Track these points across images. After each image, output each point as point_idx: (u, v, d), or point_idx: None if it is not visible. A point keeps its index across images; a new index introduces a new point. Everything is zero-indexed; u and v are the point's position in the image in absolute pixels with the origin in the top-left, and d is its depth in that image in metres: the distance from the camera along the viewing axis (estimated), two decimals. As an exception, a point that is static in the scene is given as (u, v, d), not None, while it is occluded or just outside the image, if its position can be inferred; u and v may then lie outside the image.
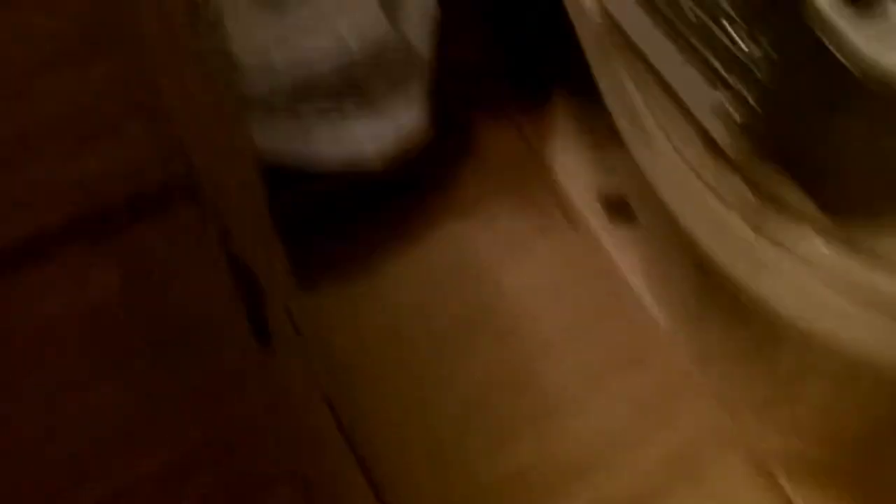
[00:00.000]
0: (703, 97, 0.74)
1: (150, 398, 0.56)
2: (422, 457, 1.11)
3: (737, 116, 0.72)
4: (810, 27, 0.58)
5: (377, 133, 1.15)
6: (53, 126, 0.46)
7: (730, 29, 0.68)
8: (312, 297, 1.19)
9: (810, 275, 0.82)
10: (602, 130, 1.30)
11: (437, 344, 1.21)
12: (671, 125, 0.88)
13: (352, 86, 1.14)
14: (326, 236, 1.27)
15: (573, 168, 1.31)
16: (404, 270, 1.27)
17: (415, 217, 1.31)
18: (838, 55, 0.55)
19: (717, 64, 0.72)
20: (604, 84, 0.97)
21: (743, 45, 0.68)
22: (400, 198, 1.31)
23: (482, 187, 1.36)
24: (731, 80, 0.71)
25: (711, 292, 1.08)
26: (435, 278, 1.27)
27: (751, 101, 0.70)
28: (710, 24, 0.72)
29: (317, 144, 1.12)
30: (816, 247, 0.81)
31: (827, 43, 0.56)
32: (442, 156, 1.33)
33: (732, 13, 0.69)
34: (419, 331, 1.22)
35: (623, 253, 1.24)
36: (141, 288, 0.51)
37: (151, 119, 0.47)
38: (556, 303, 1.25)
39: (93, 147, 0.47)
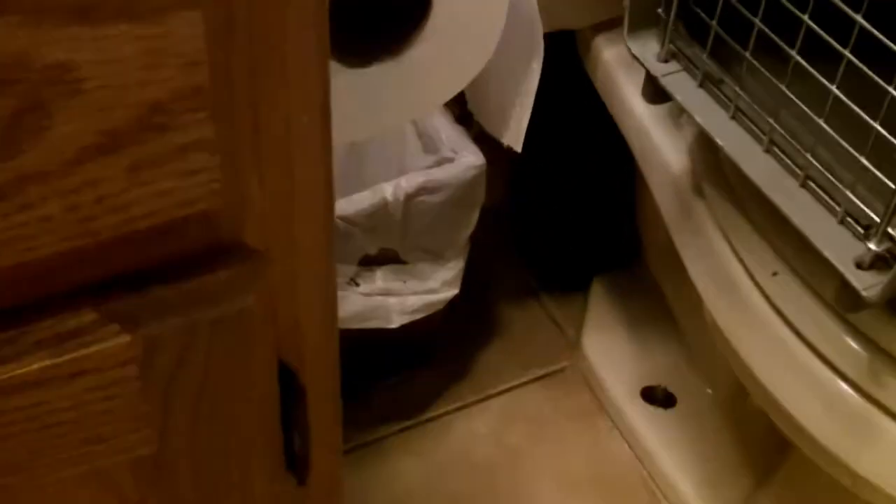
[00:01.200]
0: (845, 248, 0.67)
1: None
2: None
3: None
4: None
5: (406, 288, 1.09)
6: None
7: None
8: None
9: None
10: (641, 318, 1.26)
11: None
12: (774, 283, 0.81)
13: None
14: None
15: (608, 355, 1.24)
16: (414, 447, 1.19)
17: (427, 393, 1.24)
18: None
19: (864, 207, 0.66)
20: (685, 246, 0.91)
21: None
22: (417, 370, 1.24)
23: (505, 369, 1.31)
24: (887, 227, 0.64)
25: (782, 475, 0.99)
26: (445, 462, 1.18)
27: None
28: (860, 160, 0.66)
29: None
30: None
31: None
32: (462, 332, 1.27)
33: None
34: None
35: (661, 441, 1.16)
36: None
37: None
38: (580, 499, 1.17)
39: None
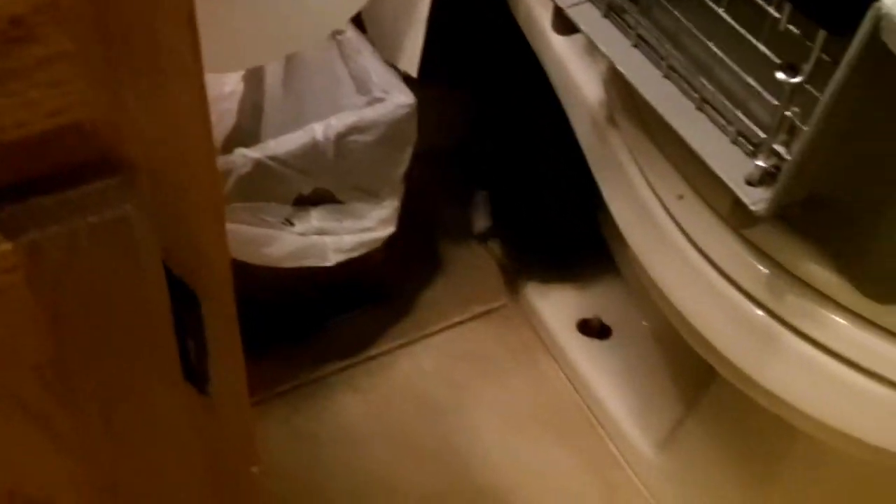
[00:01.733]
0: (736, 166, 0.71)
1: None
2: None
3: (776, 182, 0.68)
4: (884, 45, 0.55)
5: (342, 227, 1.12)
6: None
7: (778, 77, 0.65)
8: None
9: (827, 357, 0.77)
10: (580, 253, 1.29)
11: (386, 463, 1.15)
12: (681, 206, 0.84)
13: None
14: (278, 343, 1.23)
15: (547, 290, 1.27)
16: (358, 383, 1.22)
17: (370, 332, 1.27)
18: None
19: (753, 126, 0.69)
20: (603, 176, 0.94)
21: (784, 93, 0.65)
22: (355, 311, 1.28)
23: (448, 306, 1.33)
24: (773, 143, 0.67)
25: (708, 400, 1.03)
26: (391, 397, 1.21)
27: (793, 161, 0.67)
28: (749, 82, 0.69)
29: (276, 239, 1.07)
30: (836, 326, 0.76)
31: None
32: (405, 270, 1.30)
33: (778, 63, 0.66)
34: (369, 446, 1.17)
35: (597, 371, 1.19)
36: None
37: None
38: (521, 429, 1.20)
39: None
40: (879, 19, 0.56)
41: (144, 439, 0.55)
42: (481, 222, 1.36)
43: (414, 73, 0.82)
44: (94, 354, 0.49)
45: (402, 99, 1.10)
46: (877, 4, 0.56)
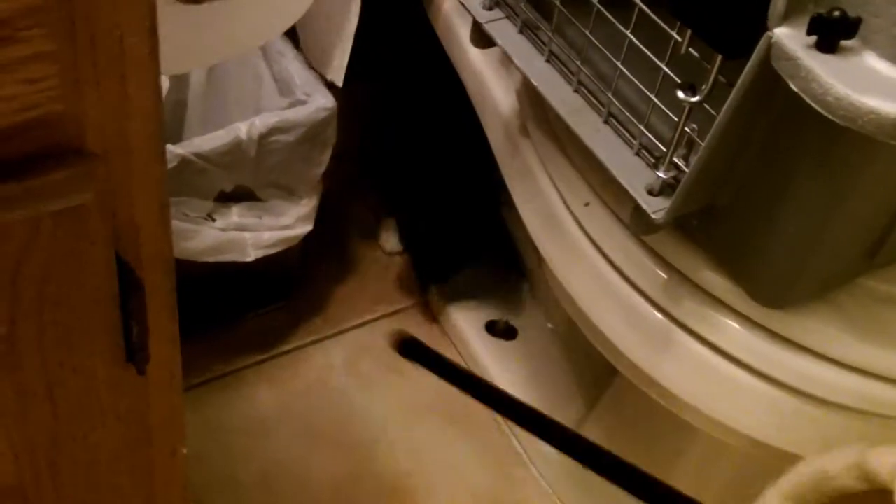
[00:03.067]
0: (638, 176, 0.76)
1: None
2: None
3: (674, 194, 0.74)
4: (774, 70, 0.61)
5: (261, 223, 1.15)
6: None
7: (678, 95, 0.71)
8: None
9: (718, 357, 0.84)
10: (489, 255, 1.34)
11: (295, 454, 1.19)
12: (587, 213, 0.90)
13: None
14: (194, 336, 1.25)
15: (456, 291, 1.32)
16: (271, 376, 1.25)
17: (284, 327, 1.30)
18: (807, 95, 0.58)
19: (654, 140, 0.75)
20: (514, 183, 0.99)
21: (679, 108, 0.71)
22: (271, 306, 1.31)
23: (359, 304, 1.37)
24: (672, 157, 0.73)
25: (608, 399, 1.09)
26: (301, 391, 1.25)
27: (690, 174, 0.72)
28: (651, 97, 0.74)
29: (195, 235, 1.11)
30: (728, 328, 0.83)
31: (794, 85, 0.59)
32: (319, 269, 1.34)
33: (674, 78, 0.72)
34: (279, 437, 1.20)
35: (503, 371, 1.24)
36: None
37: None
38: (427, 424, 1.24)
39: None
40: (770, 47, 0.62)
41: (84, 415, 0.59)
42: (387, 233, 1.40)
43: (339, 82, 0.87)
44: (44, 332, 0.52)
45: (322, 102, 1.14)
46: (768, 33, 0.62)
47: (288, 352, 1.29)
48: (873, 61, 0.59)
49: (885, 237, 0.75)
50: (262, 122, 1.11)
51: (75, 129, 0.47)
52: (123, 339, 0.56)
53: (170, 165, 1.06)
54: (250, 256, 1.15)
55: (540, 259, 0.98)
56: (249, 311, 1.29)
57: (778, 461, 0.85)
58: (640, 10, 0.72)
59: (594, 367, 1.17)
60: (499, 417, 1.24)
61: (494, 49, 0.89)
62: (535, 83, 0.82)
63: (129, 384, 0.58)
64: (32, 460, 0.59)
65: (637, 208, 0.75)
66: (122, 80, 0.47)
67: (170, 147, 1.06)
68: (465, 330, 1.30)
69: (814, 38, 0.60)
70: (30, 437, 0.58)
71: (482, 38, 0.86)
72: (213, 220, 1.14)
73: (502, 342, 1.30)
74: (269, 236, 1.17)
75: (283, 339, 1.29)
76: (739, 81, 0.64)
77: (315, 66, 0.94)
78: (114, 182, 0.49)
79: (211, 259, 1.12)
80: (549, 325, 1.29)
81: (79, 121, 0.47)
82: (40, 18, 0.41)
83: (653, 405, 0.93)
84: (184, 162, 1.07)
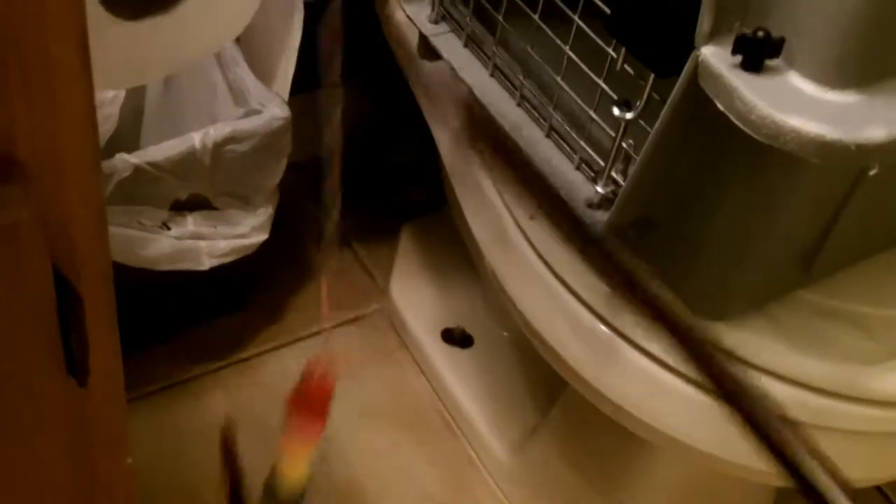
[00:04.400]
0: (579, 190, 0.78)
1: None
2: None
3: (611, 206, 0.76)
4: (702, 88, 0.62)
5: (217, 232, 1.16)
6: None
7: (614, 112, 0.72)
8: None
9: (661, 369, 0.85)
10: (445, 264, 1.36)
11: (249, 459, 1.19)
12: (532, 225, 0.91)
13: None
14: (150, 344, 1.26)
15: (413, 299, 1.33)
16: (226, 383, 1.27)
17: (240, 335, 1.31)
18: (732, 114, 0.60)
19: (594, 155, 0.76)
20: (464, 195, 1.01)
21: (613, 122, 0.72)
22: (228, 314, 1.32)
23: (316, 312, 1.37)
24: (609, 172, 0.75)
25: (559, 408, 1.10)
26: (256, 399, 1.26)
27: (625, 187, 0.74)
28: (589, 113, 0.76)
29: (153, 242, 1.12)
30: (667, 339, 0.84)
31: (720, 104, 0.61)
32: (276, 277, 1.35)
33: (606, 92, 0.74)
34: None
35: (458, 378, 1.26)
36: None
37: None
38: (381, 429, 1.25)
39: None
40: (697, 66, 0.64)
41: (23, 429, 0.59)
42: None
43: (285, 96, 0.88)
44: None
45: (277, 112, 1.15)
46: (696, 52, 0.63)
47: (245, 359, 1.30)
48: (797, 81, 0.61)
49: (818, 249, 0.77)
50: (216, 132, 1.12)
51: (5, 141, 0.48)
52: (64, 351, 0.56)
53: (124, 174, 1.07)
54: (205, 265, 1.16)
55: (489, 269, 0.99)
56: (206, 319, 1.30)
57: (725, 469, 0.87)
58: (579, 25, 0.74)
59: (547, 376, 1.18)
60: (451, 422, 1.25)
61: (443, 62, 0.91)
62: (479, 96, 0.84)
63: (71, 396, 0.59)
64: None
65: (577, 221, 0.77)
66: (51, 91, 0.48)
67: (124, 156, 1.07)
68: (422, 338, 1.31)
69: (739, 58, 0.61)
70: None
71: (429, 51, 0.88)
72: (169, 228, 1.15)
73: (458, 350, 1.31)
74: (224, 245, 1.18)
75: (239, 346, 1.30)
76: (670, 99, 0.65)
77: (261, 80, 0.95)
78: (46, 196, 0.50)
79: (166, 268, 1.13)
80: (504, 334, 1.30)
81: (8, 133, 0.48)
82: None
83: (601, 415, 0.95)
84: (138, 171, 1.07)
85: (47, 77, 0.46)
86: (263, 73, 0.91)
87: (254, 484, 1.20)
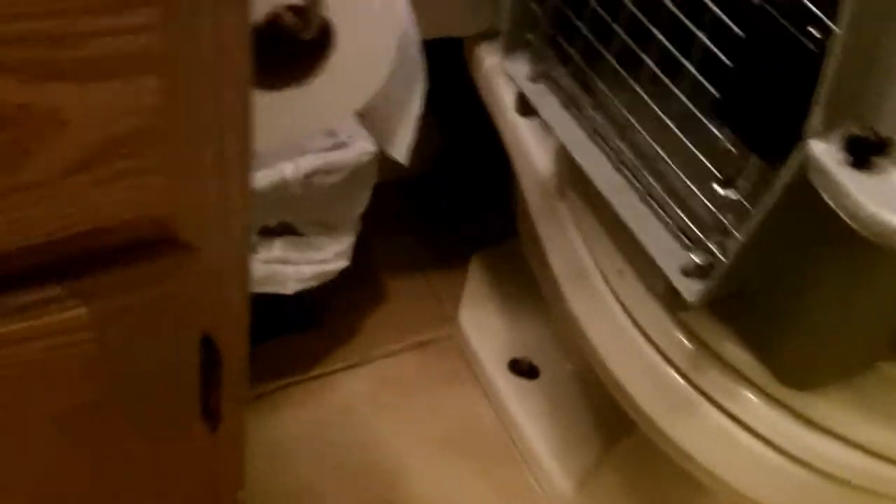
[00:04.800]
0: (674, 257, 0.80)
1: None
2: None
3: (708, 277, 0.78)
4: (811, 182, 0.65)
5: (302, 258, 1.19)
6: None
7: (716, 189, 0.75)
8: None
9: (738, 429, 0.88)
10: (514, 294, 1.38)
11: (315, 479, 1.22)
12: (618, 279, 0.94)
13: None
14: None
15: (481, 327, 1.36)
16: (297, 401, 1.29)
17: (312, 354, 1.34)
18: (839, 210, 0.62)
19: (691, 224, 0.79)
20: (548, 241, 1.03)
21: (718, 203, 0.75)
22: (300, 333, 1.35)
23: (386, 335, 1.40)
24: (706, 240, 0.77)
25: (626, 447, 1.13)
26: (323, 417, 1.28)
27: (724, 261, 0.77)
28: (690, 186, 0.79)
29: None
30: (750, 403, 0.87)
31: (827, 198, 0.63)
32: (349, 299, 1.38)
33: (713, 170, 0.76)
34: (300, 461, 1.24)
35: (523, 409, 1.28)
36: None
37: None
38: (446, 457, 1.28)
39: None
40: (805, 158, 0.66)
41: (157, 465, 0.63)
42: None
43: (404, 161, 0.91)
44: (129, 396, 0.57)
45: (365, 146, 1.18)
46: (802, 143, 0.66)
47: (314, 377, 1.33)
48: (903, 181, 0.63)
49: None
50: (306, 163, 1.15)
51: (171, 223, 0.52)
52: (200, 402, 0.60)
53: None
54: (290, 289, 1.19)
55: (567, 314, 1.02)
56: (281, 336, 1.33)
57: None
58: (685, 99, 0.77)
59: (613, 412, 1.21)
60: (515, 451, 1.28)
61: (538, 119, 0.93)
62: (576, 158, 0.86)
63: (202, 441, 0.63)
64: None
65: (670, 287, 0.80)
66: (218, 180, 0.51)
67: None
68: (489, 367, 1.33)
69: (846, 154, 0.64)
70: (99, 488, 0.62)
71: (526, 109, 0.91)
72: (257, 252, 1.19)
73: (524, 381, 1.34)
74: (308, 270, 1.21)
75: (309, 365, 1.33)
76: (774, 186, 0.68)
77: (379, 143, 0.98)
78: (205, 270, 0.54)
79: (254, 290, 1.16)
80: (570, 366, 1.32)
81: (178, 216, 0.52)
82: (154, 138, 0.46)
83: (669, 460, 0.97)
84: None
85: (215, 171, 0.50)
86: (381, 137, 0.94)
87: (310, 498, 1.23)
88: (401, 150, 0.87)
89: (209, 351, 0.58)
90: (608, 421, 1.22)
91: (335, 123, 0.92)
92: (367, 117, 0.96)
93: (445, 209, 1.48)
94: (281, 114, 0.68)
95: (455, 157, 1.42)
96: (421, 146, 1.39)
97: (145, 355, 0.54)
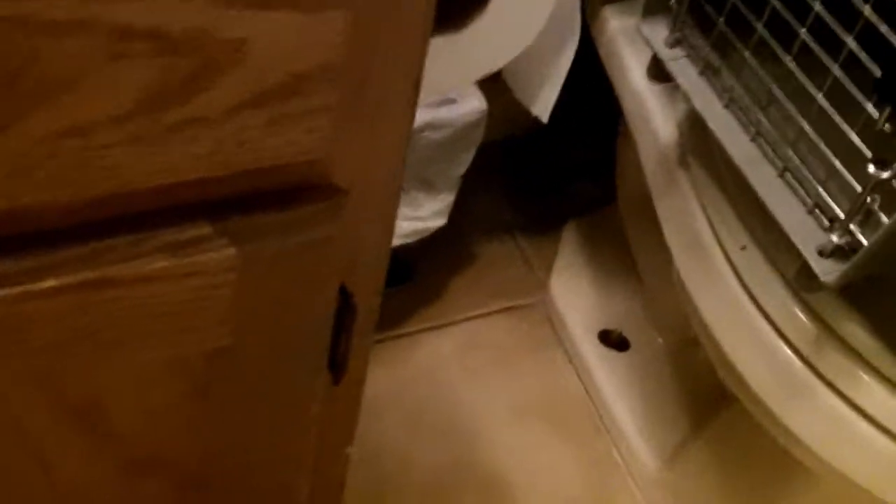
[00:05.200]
0: (810, 236, 0.77)
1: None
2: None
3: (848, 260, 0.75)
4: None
5: (400, 213, 1.17)
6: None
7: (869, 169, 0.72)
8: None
9: (856, 415, 0.85)
10: (607, 264, 1.36)
11: (400, 437, 1.21)
12: (741, 255, 0.91)
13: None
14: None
15: (572, 296, 1.34)
16: (385, 358, 1.28)
17: (401, 311, 1.32)
18: None
19: (833, 204, 0.76)
20: (665, 211, 1.01)
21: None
22: (396, 288, 1.33)
23: (474, 297, 1.39)
24: (849, 224, 0.74)
25: (717, 426, 1.10)
26: (409, 376, 1.27)
27: (865, 243, 0.74)
28: (836, 164, 0.76)
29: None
30: (871, 390, 0.84)
31: None
32: (442, 259, 1.36)
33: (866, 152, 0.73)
34: (386, 419, 1.23)
35: (611, 381, 1.26)
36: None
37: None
38: (530, 423, 1.26)
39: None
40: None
41: (276, 415, 0.62)
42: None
43: (545, 119, 0.88)
44: (262, 345, 0.55)
45: (475, 104, 1.16)
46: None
47: (402, 335, 1.32)
48: None
49: None
50: (416, 118, 1.13)
51: (328, 168, 0.50)
52: (329, 353, 0.59)
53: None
54: (388, 245, 1.17)
55: (666, 280, 0.99)
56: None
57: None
58: (837, 71, 0.73)
59: (704, 389, 1.18)
60: (601, 424, 1.26)
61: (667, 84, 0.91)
62: (712, 127, 0.83)
63: (323, 392, 0.61)
64: (215, 450, 0.62)
65: (804, 267, 0.77)
66: (380, 127, 0.49)
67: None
68: (578, 336, 1.31)
69: None
70: (219, 433, 0.61)
71: (660, 74, 0.88)
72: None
73: (614, 353, 1.32)
74: (405, 226, 1.20)
75: (398, 322, 1.32)
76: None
77: (520, 99, 0.95)
78: (355, 216, 0.52)
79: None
80: (660, 340, 1.30)
81: (332, 161, 0.49)
82: (332, 75, 0.44)
83: (762, 440, 0.94)
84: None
85: (383, 114, 0.47)
86: (523, 92, 0.91)
87: (395, 454, 1.22)
88: (544, 107, 0.85)
89: (345, 301, 0.56)
90: (698, 399, 1.20)
91: (487, 73, 0.90)
92: (512, 70, 0.93)
93: (544, 173, 1.45)
94: (442, 60, 0.65)
95: (561, 121, 1.39)
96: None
97: (284, 302, 0.53)
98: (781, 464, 0.98)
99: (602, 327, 1.33)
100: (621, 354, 1.32)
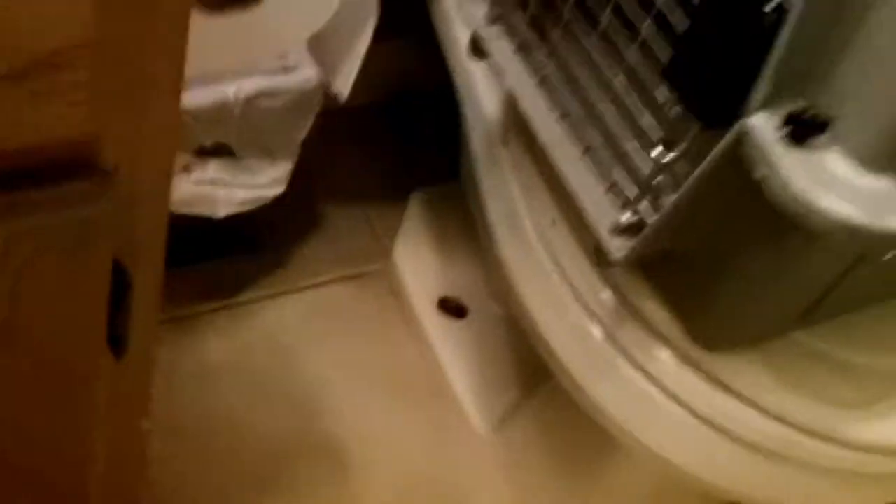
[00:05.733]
0: (606, 214, 0.80)
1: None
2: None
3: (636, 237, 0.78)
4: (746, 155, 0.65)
5: (236, 181, 1.18)
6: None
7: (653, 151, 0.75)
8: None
9: (650, 385, 0.89)
10: (450, 234, 1.38)
11: (237, 405, 1.22)
12: (551, 229, 0.94)
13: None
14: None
15: (415, 264, 1.36)
16: (224, 326, 1.29)
17: (243, 278, 1.33)
18: (766, 185, 0.63)
19: (626, 185, 0.79)
20: (488, 186, 1.03)
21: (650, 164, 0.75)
22: (237, 255, 1.34)
23: (319, 264, 1.39)
24: (639, 204, 0.77)
25: (544, 394, 1.14)
26: (249, 343, 1.28)
27: (653, 223, 0.77)
28: (630, 145, 0.79)
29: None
30: (663, 360, 0.88)
31: (756, 172, 0.63)
32: (286, 227, 1.37)
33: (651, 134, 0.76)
34: (223, 387, 1.23)
35: (448, 348, 1.28)
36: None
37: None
38: (369, 389, 1.28)
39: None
40: (743, 130, 0.66)
41: (57, 392, 0.63)
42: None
43: (345, 94, 0.90)
44: (37, 321, 0.56)
45: (311, 73, 1.16)
46: (744, 120, 0.66)
47: (243, 303, 1.32)
48: (835, 160, 0.64)
49: (819, 303, 0.80)
50: (250, 86, 1.13)
51: (94, 145, 0.50)
52: (107, 329, 0.60)
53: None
54: (220, 213, 1.17)
55: (498, 259, 1.02)
56: (211, 259, 1.32)
57: (696, 486, 0.91)
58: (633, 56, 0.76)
59: (535, 359, 1.22)
60: (437, 389, 1.28)
61: (488, 61, 0.92)
62: (522, 105, 0.86)
63: (108, 370, 0.62)
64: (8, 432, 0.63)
65: (599, 245, 0.80)
66: (145, 105, 0.50)
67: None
68: (417, 303, 1.33)
69: (785, 130, 0.64)
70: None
71: (478, 50, 0.90)
72: (189, 172, 1.17)
73: (451, 320, 1.34)
74: (241, 194, 1.20)
75: (237, 289, 1.32)
76: (711, 154, 0.68)
77: (322, 75, 0.96)
78: (121, 195, 0.53)
79: (181, 211, 1.15)
80: (498, 310, 1.33)
81: (98, 137, 0.50)
82: (86, 52, 0.45)
83: (584, 413, 0.98)
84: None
85: (145, 92, 0.48)
86: (326, 67, 0.92)
87: (233, 423, 1.23)
88: (344, 82, 0.86)
89: (119, 278, 0.57)
90: (529, 367, 1.23)
91: (282, 50, 0.90)
92: (315, 46, 0.94)
93: (392, 142, 1.47)
94: (229, 37, 0.66)
95: (409, 91, 1.40)
96: (375, 75, 1.38)
97: (55, 279, 0.53)
98: (598, 431, 1.01)
99: (442, 294, 1.35)
100: (459, 322, 1.34)
